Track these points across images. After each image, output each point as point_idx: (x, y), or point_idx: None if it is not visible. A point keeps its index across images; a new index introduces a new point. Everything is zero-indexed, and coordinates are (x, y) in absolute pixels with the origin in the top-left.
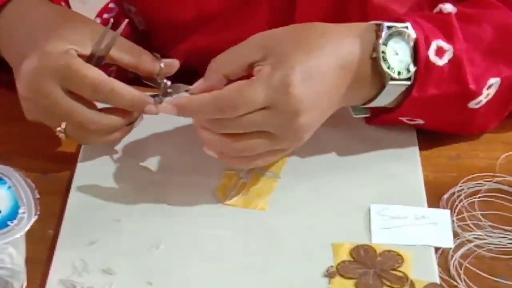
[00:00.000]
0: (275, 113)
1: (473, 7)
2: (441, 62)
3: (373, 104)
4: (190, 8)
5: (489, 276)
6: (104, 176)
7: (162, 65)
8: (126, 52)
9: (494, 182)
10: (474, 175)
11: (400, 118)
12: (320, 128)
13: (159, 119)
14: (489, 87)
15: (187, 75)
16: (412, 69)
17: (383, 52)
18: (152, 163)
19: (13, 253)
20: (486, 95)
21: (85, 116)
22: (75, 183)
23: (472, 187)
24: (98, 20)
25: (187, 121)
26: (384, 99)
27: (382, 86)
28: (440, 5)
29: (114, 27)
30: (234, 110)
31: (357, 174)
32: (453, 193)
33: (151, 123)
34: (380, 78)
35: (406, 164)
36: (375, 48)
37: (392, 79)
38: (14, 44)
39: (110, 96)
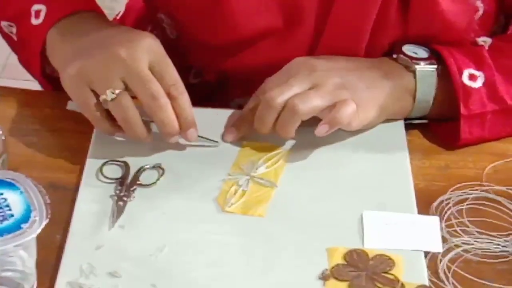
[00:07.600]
0: None
1: (507, 41)
2: (476, 85)
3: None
4: (231, 33)
5: (476, 279)
6: (108, 185)
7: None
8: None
9: (481, 191)
10: (462, 184)
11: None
12: (313, 140)
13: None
14: None
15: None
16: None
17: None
18: (154, 173)
19: (24, 256)
20: None
21: (160, 91)
22: (81, 192)
23: (460, 195)
24: None
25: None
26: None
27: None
28: (477, 38)
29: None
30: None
31: (351, 183)
32: (442, 201)
33: (155, 136)
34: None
35: (397, 174)
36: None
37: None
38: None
39: (179, 98)
